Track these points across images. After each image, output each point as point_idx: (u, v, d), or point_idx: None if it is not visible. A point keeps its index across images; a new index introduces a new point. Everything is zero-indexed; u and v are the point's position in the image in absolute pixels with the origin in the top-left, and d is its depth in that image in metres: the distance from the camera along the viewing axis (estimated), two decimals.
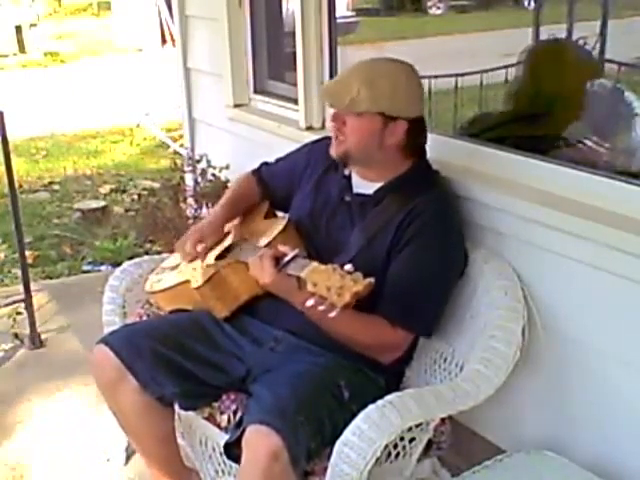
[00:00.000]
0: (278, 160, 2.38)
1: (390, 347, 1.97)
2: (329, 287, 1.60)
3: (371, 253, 1.97)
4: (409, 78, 2.01)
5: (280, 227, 2.12)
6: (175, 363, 2.00)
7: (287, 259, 1.79)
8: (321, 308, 1.61)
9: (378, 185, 2.06)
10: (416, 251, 1.94)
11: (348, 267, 1.63)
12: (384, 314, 1.92)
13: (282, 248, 1.87)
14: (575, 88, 2.37)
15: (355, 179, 2.11)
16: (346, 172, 2.12)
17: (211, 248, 2.17)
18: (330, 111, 2.15)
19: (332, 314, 1.60)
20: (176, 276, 2.20)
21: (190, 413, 2.09)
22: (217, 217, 2.24)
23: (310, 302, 1.63)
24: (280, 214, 2.32)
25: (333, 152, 2.05)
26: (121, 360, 1.98)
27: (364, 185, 2.09)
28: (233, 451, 1.81)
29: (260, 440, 1.70)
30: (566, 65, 2.48)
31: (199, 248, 2.13)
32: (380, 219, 2.00)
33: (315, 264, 1.69)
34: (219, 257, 2.12)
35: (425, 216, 1.95)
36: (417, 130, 2.03)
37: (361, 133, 1.98)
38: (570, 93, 2.40)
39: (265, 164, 2.40)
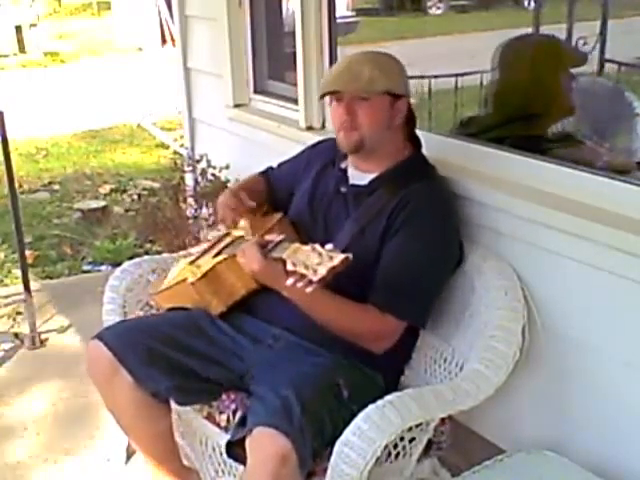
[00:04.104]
0: (281, 164, 2.42)
1: (380, 335, 1.96)
2: (307, 265, 1.63)
3: (364, 242, 1.98)
4: (399, 60, 2.10)
5: (274, 220, 2.15)
6: (170, 358, 1.99)
7: (272, 245, 1.82)
8: (299, 285, 1.64)
9: (373, 176, 2.08)
10: (407, 238, 1.95)
11: (329, 246, 1.66)
12: (374, 301, 1.92)
13: (268, 236, 1.89)
14: (554, 78, 2.37)
15: (351, 171, 2.13)
16: (342, 165, 2.14)
17: (211, 247, 2.18)
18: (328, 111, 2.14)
19: (309, 289, 1.64)
20: (175, 275, 2.21)
21: (190, 413, 2.09)
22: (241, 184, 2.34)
23: (290, 281, 1.66)
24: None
25: (345, 143, 2.05)
26: (113, 354, 1.98)
27: (360, 176, 2.11)
28: (234, 450, 1.81)
29: (268, 443, 1.69)
30: (539, 58, 2.48)
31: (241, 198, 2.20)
32: (373, 208, 2.01)
33: (296, 245, 1.72)
34: (217, 255, 2.13)
35: (416, 203, 1.97)
36: (411, 109, 2.10)
37: (375, 115, 2.01)
38: (550, 84, 2.40)
39: (271, 168, 2.43)
